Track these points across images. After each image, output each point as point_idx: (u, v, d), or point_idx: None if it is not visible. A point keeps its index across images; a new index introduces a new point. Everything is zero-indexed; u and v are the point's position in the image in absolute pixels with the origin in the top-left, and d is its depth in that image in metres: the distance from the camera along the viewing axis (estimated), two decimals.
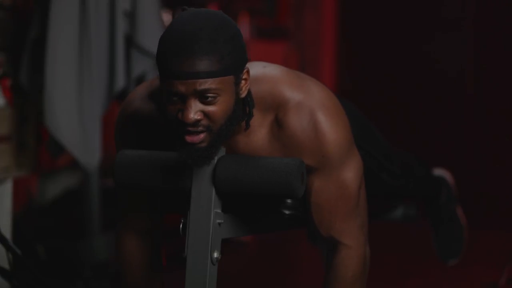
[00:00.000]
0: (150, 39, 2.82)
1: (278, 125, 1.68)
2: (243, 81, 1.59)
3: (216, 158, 1.67)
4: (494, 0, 4.29)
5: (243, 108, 1.64)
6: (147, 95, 1.75)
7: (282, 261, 3.66)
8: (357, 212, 1.76)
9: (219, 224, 1.68)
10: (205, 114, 1.55)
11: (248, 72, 1.60)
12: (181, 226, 1.71)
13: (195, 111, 1.54)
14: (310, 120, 1.66)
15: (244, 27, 4.27)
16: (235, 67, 1.56)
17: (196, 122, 1.55)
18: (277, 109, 1.67)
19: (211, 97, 1.54)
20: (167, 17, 3.94)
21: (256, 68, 1.69)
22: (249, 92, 1.64)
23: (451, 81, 4.42)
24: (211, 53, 1.52)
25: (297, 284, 3.23)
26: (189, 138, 1.57)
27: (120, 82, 2.78)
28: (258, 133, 1.69)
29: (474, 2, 4.34)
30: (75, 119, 2.72)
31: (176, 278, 2.07)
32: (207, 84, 1.52)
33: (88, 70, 2.73)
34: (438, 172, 2.67)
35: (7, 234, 2.64)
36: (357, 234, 1.76)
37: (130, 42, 2.83)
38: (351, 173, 1.72)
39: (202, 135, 1.57)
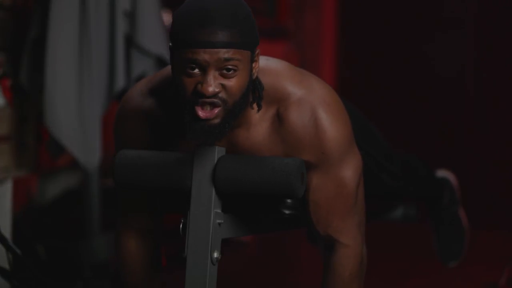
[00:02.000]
0: (150, 39, 2.82)
1: (279, 120, 1.68)
2: (255, 62, 1.62)
3: (216, 158, 1.67)
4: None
5: (252, 92, 1.65)
6: (147, 91, 1.75)
7: (282, 261, 3.66)
8: (355, 211, 1.76)
9: (219, 224, 1.68)
10: (224, 87, 1.57)
11: (259, 54, 1.63)
12: (181, 226, 1.71)
13: (215, 83, 1.56)
14: (311, 116, 1.67)
15: None
16: (252, 44, 1.59)
17: (215, 95, 1.56)
18: (279, 103, 1.68)
19: (231, 69, 1.56)
20: (167, 17, 3.94)
21: (259, 61, 1.70)
22: (257, 76, 1.66)
23: (451, 81, 4.42)
24: (233, 25, 1.55)
25: (297, 284, 3.23)
26: (202, 114, 1.57)
27: (120, 82, 2.78)
28: (259, 127, 1.69)
29: (475, 2, 4.34)
30: (75, 119, 2.72)
31: (176, 278, 2.07)
32: (231, 53, 1.55)
33: (88, 70, 2.73)
34: (442, 173, 2.66)
35: (7, 234, 2.64)
36: (354, 233, 1.76)
37: (130, 42, 2.83)
38: (350, 171, 1.72)
39: (216, 110, 1.57)
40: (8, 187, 2.74)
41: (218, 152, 1.68)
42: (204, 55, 1.54)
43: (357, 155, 1.76)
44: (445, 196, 2.61)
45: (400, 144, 2.87)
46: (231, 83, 1.57)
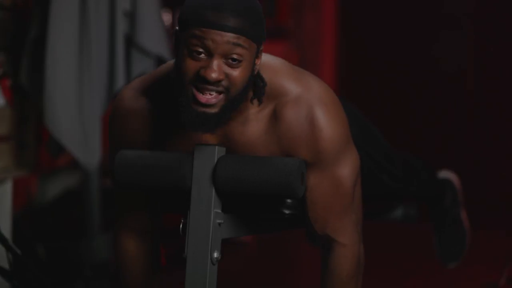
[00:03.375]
0: (150, 39, 2.82)
1: (276, 117, 1.67)
2: (257, 58, 1.62)
3: (216, 158, 1.67)
4: None
5: (253, 87, 1.65)
6: (140, 90, 1.74)
7: (282, 261, 3.66)
8: (352, 209, 1.76)
9: (219, 224, 1.68)
10: (227, 76, 1.56)
11: (262, 51, 1.63)
12: (181, 226, 1.71)
13: (219, 70, 1.55)
14: (307, 114, 1.66)
15: None
16: (259, 38, 1.60)
17: (217, 82, 1.55)
18: (276, 100, 1.67)
19: (237, 59, 1.55)
20: (167, 17, 3.94)
21: (261, 58, 1.70)
22: (258, 72, 1.65)
23: (451, 81, 4.42)
24: (245, 15, 1.55)
25: (297, 284, 3.23)
26: (202, 98, 1.56)
27: (120, 82, 2.78)
28: (255, 123, 1.68)
29: (474, 0, 4.34)
30: (75, 119, 2.72)
31: (176, 278, 2.07)
32: (240, 40, 1.55)
33: (88, 70, 2.73)
34: (445, 174, 2.66)
35: (7, 234, 2.64)
36: (351, 232, 1.76)
37: (130, 42, 2.83)
38: (346, 169, 1.72)
39: (217, 98, 1.57)
40: (8, 187, 2.74)
41: (218, 152, 1.68)
42: (214, 36, 1.53)
43: (354, 154, 1.75)
44: (447, 198, 2.61)
45: (399, 144, 2.87)
46: (235, 73, 1.56)
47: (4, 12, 2.73)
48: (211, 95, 1.57)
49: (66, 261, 3.06)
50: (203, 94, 1.56)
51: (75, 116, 2.72)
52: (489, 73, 4.30)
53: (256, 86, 1.65)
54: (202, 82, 1.55)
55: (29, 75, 2.76)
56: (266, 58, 1.71)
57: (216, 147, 1.67)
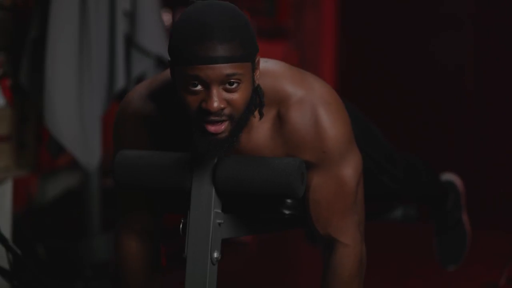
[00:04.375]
0: (150, 39, 2.82)
1: (280, 121, 1.68)
2: (256, 70, 1.61)
3: (216, 158, 1.67)
4: None
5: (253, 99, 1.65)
6: (147, 94, 1.75)
7: (282, 261, 3.66)
8: (354, 210, 1.76)
9: (219, 224, 1.68)
10: (228, 102, 1.56)
11: (259, 61, 1.62)
12: (181, 226, 1.71)
13: (219, 99, 1.54)
14: (311, 115, 1.67)
15: None
16: (252, 54, 1.57)
17: (220, 111, 1.55)
18: (279, 104, 1.68)
19: (235, 83, 1.55)
20: (167, 17, 3.94)
21: (259, 67, 1.70)
22: (258, 86, 1.65)
23: (451, 81, 4.42)
24: (233, 39, 1.53)
25: (297, 284, 3.23)
26: (211, 128, 1.57)
27: (120, 82, 2.78)
28: (260, 129, 1.69)
29: (474, 0, 4.34)
30: (75, 119, 2.72)
31: (176, 278, 2.07)
32: (233, 68, 1.53)
33: (88, 70, 2.73)
34: (448, 176, 2.65)
35: (7, 234, 2.64)
36: (354, 232, 1.76)
37: (130, 42, 2.83)
38: (350, 169, 1.72)
39: (224, 125, 1.57)
40: (8, 187, 2.74)
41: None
42: (206, 71, 1.52)
43: (357, 153, 1.76)
44: (449, 200, 2.60)
45: (399, 144, 2.87)
46: (235, 96, 1.56)
47: (4, 12, 2.73)
48: (219, 124, 1.57)
49: (66, 261, 3.06)
50: (211, 125, 1.57)
51: (75, 116, 2.72)
52: (489, 73, 4.30)
53: (256, 97, 1.65)
54: (206, 114, 1.55)
55: (29, 75, 2.76)
56: (267, 64, 1.71)
57: None
